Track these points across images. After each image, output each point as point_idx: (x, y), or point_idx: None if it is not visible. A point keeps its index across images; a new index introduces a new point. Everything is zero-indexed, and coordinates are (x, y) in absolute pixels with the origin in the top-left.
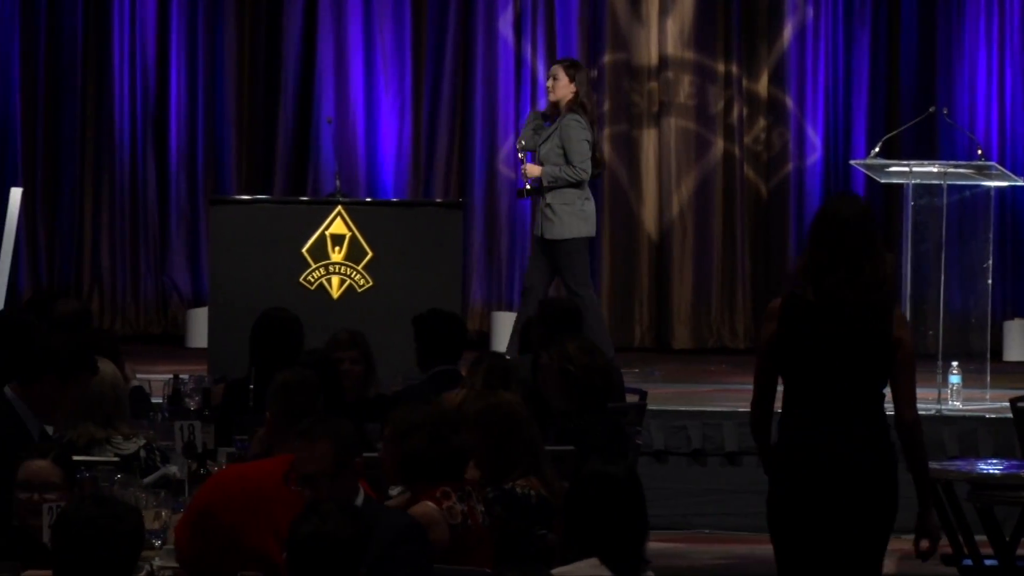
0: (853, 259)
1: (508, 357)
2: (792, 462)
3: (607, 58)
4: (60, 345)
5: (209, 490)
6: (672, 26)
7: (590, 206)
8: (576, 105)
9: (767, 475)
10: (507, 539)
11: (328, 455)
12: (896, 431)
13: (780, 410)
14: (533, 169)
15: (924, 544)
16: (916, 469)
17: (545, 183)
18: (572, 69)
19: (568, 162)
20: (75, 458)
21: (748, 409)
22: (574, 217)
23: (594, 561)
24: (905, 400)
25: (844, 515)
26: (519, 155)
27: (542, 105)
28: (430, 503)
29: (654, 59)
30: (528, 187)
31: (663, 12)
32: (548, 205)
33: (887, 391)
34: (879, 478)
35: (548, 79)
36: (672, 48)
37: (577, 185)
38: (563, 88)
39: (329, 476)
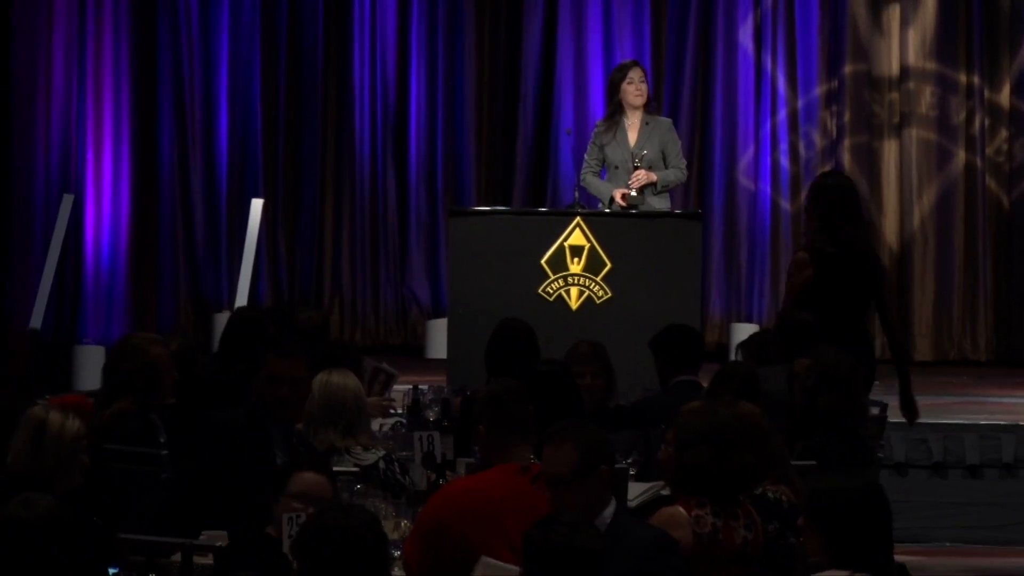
0: (859, 217)
1: None
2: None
3: (847, 68)
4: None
5: (438, 505)
6: (913, 36)
7: None
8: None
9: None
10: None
11: (572, 458)
12: (893, 336)
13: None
14: (650, 175)
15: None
16: (905, 365)
17: (659, 188)
18: None
19: (672, 165)
20: None
21: (989, 421)
22: None
23: (842, 574)
24: (895, 312)
25: None
26: (635, 163)
27: (781, 115)
28: (680, 507)
29: (895, 70)
30: (634, 193)
31: (904, 22)
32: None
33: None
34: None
35: (640, 80)
36: (913, 58)
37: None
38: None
39: (573, 479)
